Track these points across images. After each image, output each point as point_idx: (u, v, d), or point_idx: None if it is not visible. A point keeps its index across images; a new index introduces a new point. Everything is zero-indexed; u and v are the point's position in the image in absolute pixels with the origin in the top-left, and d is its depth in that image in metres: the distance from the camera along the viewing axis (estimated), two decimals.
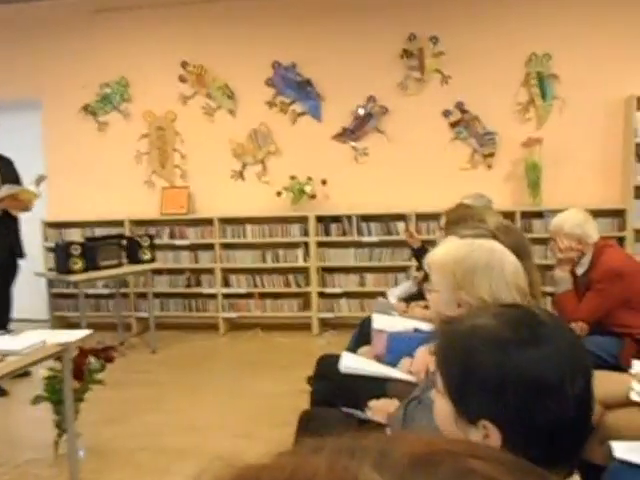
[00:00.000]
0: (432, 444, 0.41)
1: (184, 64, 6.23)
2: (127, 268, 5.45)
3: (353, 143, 6.06)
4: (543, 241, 5.07)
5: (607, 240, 3.77)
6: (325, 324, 6.07)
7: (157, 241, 5.93)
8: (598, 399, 2.73)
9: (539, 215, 5.66)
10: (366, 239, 5.89)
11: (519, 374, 0.95)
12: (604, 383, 2.71)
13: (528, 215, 5.66)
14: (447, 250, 1.74)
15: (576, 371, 0.97)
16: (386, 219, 5.86)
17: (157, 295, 6.14)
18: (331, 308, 6.04)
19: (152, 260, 5.53)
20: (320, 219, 5.96)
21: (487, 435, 0.95)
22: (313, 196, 5.94)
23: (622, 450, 2.09)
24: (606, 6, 5.60)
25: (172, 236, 6.22)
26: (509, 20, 5.75)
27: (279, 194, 5.94)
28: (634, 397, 2.47)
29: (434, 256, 1.76)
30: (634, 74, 5.55)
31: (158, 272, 6.12)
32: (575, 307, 3.47)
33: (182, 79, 6.26)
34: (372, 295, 5.56)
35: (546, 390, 0.94)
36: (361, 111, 6.02)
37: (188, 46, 6.20)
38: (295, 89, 6.08)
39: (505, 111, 5.86)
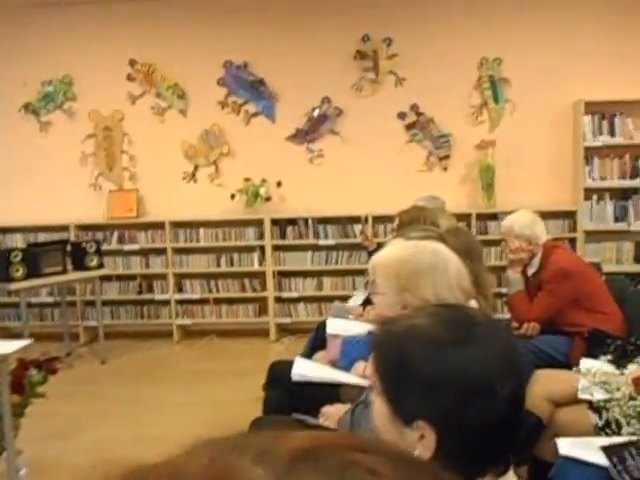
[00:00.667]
0: (318, 439, 0.42)
1: (132, 62, 6.19)
2: (72, 275, 5.38)
3: (308, 145, 6.12)
4: (498, 243, 5.21)
5: (555, 241, 3.93)
6: (283, 329, 6.11)
7: (105, 246, 5.89)
8: (548, 397, 2.87)
9: (494, 217, 5.81)
10: (323, 242, 5.96)
11: (452, 374, 0.97)
12: (554, 381, 2.85)
13: (483, 217, 5.82)
14: (391, 252, 1.77)
15: (508, 371, 1.00)
16: (343, 222, 5.95)
17: (106, 303, 6.08)
18: (288, 313, 6.09)
19: (100, 266, 5.47)
20: (275, 222, 6.00)
21: (422, 435, 0.97)
22: (268, 198, 5.98)
23: (567, 447, 2.20)
24: (555, 12, 5.80)
25: (121, 241, 6.16)
26: (461, 23, 5.90)
27: (233, 197, 5.96)
28: (582, 395, 2.60)
29: (378, 258, 1.79)
30: (581, 79, 5.77)
31: (107, 279, 6.06)
32: (527, 307, 3.61)
33: (130, 78, 6.21)
34: (330, 299, 5.64)
35: (478, 390, 0.97)
36: (316, 112, 6.10)
37: (136, 43, 6.14)
38: (248, 89, 6.11)
39: (459, 114, 6.01)
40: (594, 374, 2.10)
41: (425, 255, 1.73)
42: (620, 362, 2.35)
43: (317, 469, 0.39)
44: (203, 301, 6.16)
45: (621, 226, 5.75)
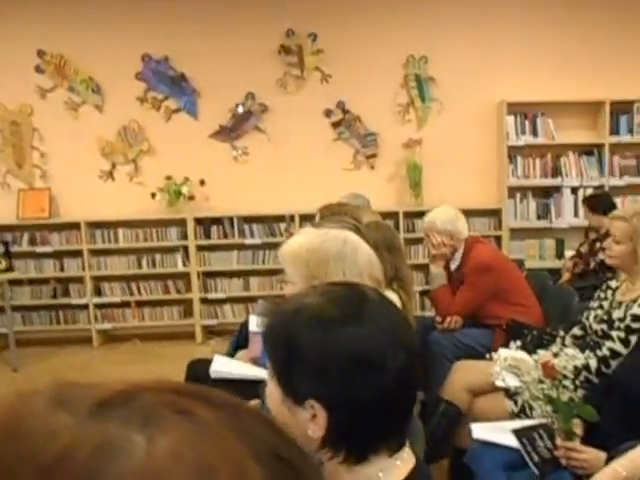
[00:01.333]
0: (134, 384, 0.41)
1: (40, 53, 5.98)
2: None
3: (232, 142, 6.13)
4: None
5: (476, 236, 4.09)
6: (209, 331, 6.08)
7: (15, 248, 5.71)
8: (467, 387, 2.98)
9: (421, 215, 5.93)
10: (249, 241, 5.98)
11: (341, 351, 1.00)
12: (472, 372, 2.97)
13: (410, 215, 5.96)
14: (300, 241, 1.78)
15: (398, 346, 1.02)
16: (269, 220, 5.98)
17: (17, 308, 5.90)
18: (215, 314, 6.07)
19: (8, 269, 5.31)
20: (199, 221, 5.98)
21: (314, 415, 0.99)
22: (191, 197, 5.95)
23: (480, 431, 2.31)
24: (480, 12, 6.01)
25: (32, 242, 5.97)
26: (387, 20, 6.03)
27: (154, 195, 5.90)
28: (498, 383, 2.71)
29: (287, 247, 1.79)
30: (504, 80, 6.00)
31: (18, 283, 5.88)
32: (449, 301, 3.74)
33: (38, 69, 6.00)
34: (257, 299, 5.66)
35: (368, 366, 1.00)
36: (240, 109, 6.11)
37: (45, 33, 5.94)
38: (168, 84, 6.06)
39: (386, 112, 6.14)
40: (504, 359, 2.20)
41: (334, 243, 1.75)
42: (532, 349, 2.48)
43: (125, 411, 0.38)
44: (124, 304, 6.07)
45: (543, 223, 6.01)
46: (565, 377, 2.15)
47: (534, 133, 5.97)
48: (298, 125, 6.06)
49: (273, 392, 1.06)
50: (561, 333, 3.02)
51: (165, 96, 6.08)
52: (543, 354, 2.19)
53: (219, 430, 0.40)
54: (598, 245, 4.64)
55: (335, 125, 6.16)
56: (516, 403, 2.72)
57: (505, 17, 6.03)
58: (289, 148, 6.08)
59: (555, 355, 2.21)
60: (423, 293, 5.54)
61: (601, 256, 4.51)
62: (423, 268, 5.39)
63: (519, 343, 2.25)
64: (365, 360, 1.00)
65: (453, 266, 3.85)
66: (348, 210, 3.47)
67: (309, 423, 1.00)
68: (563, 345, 2.84)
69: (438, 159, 6.02)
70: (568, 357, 2.18)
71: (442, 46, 6.03)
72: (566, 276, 4.97)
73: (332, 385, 1.00)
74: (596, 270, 4.70)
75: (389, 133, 6.13)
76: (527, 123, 5.97)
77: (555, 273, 5.18)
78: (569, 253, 5.50)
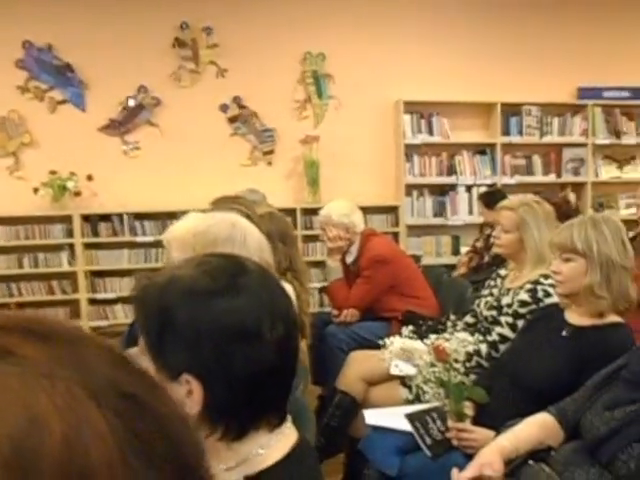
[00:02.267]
0: None
1: None
2: None
3: (123, 136, 5.95)
4: None
5: (372, 229, 4.16)
6: (100, 333, 5.86)
7: None
8: (362, 377, 3.02)
9: (318, 212, 5.99)
10: (140, 239, 5.82)
11: (215, 324, 0.98)
12: (367, 361, 3.02)
13: (308, 212, 5.99)
14: (186, 225, 1.74)
15: (276, 317, 1.01)
16: (162, 217, 5.83)
17: None
18: (104, 315, 5.87)
19: None
20: (87, 218, 5.76)
21: (190, 390, 0.97)
22: (77, 193, 5.73)
23: (372, 417, 2.34)
24: (378, 10, 6.13)
25: None
26: (285, 16, 6.04)
27: (36, 191, 5.63)
28: (393, 371, 2.77)
29: (172, 232, 1.75)
30: (401, 79, 6.15)
31: None
32: (346, 295, 3.79)
33: None
34: None
35: (243, 337, 0.99)
36: (131, 102, 5.95)
37: None
38: (53, 74, 5.81)
39: (283, 108, 6.14)
40: (396, 346, 2.25)
41: (222, 227, 1.71)
42: (425, 335, 2.54)
43: None
44: (3, 306, 5.75)
45: (439, 220, 6.21)
46: (456, 361, 2.22)
47: (430, 132, 6.16)
48: (193, 120, 5.97)
49: (147, 368, 1.01)
50: (452, 318, 3.12)
51: (50, 86, 5.82)
52: (435, 338, 2.25)
53: (50, 371, 0.36)
54: (492, 240, 4.82)
55: (231, 120, 6.11)
56: (410, 390, 2.78)
57: (403, 17, 6.18)
58: (183, 143, 5.98)
59: (447, 340, 2.27)
60: (321, 290, 5.59)
61: (495, 250, 4.70)
62: (321, 265, 5.43)
63: (411, 328, 2.30)
64: (241, 332, 0.98)
65: (349, 259, 3.90)
66: (242, 202, 3.45)
67: (185, 399, 0.96)
68: (454, 330, 2.93)
69: (336, 156, 6.09)
70: (459, 341, 2.25)
71: (340, 43, 6.11)
72: (461, 270, 5.14)
73: (207, 359, 0.97)
74: (490, 264, 4.87)
75: (286, 129, 6.14)
76: (423, 122, 6.15)
77: (451, 269, 5.36)
78: (464, 249, 5.70)
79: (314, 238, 5.76)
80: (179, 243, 1.72)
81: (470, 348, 2.59)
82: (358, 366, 2.99)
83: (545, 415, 1.83)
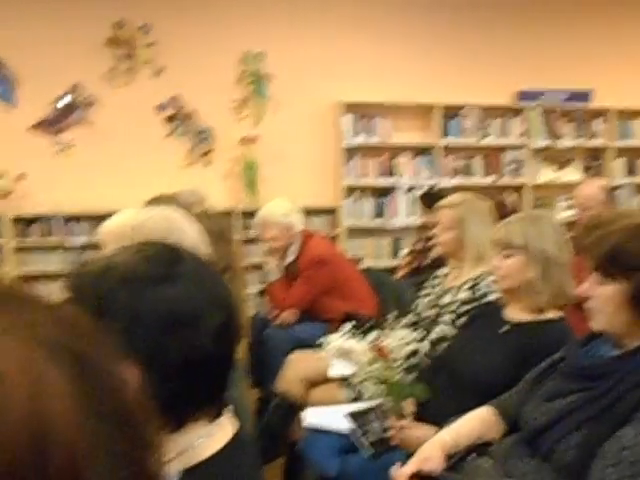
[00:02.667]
0: None
1: None
2: None
3: (56, 135, 5.76)
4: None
5: (312, 230, 4.13)
6: None
7: None
8: (302, 378, 2.97)
9: (257, 213, 5.93)
10: (73, 241, 5.64)
11: (152, 311, 0.97)
12: (307, 363, 2.98)
13: (246, 214, 5.90)
14: (122, 218, 1.72)
15: (214, 305, 1.01)
16: (96, 219, 5.65)
17: None
18: None
19: None
20: (17, 220, 5.56)
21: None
22: (7, 193, 5.53)
23: (313, 417, 2.30)
24: (317, 10, 6.13)
25: None
26: (224, 14, 5.97)
27: None
28: (333, 372, 2.74)
29: (108, 226, 1.73)
30: (342, 80, 6.14)
31: None
32: (284, 295, 3.74)
33: None
34: None
35: (181, 326, 0.97)
36: (65, 100, 5.77)
37: None
38: None
39: (222, 108, 6.06)
40: (334, 347, 2.21)
41: (158, 220, 1.70)
42: (363, 335, 2.52)
43: None
44: None
45: (379, 222, 6.22)
46: (395, 360, 2.20)
47: (370, 133, 6.17)
48: (128, 119, 5.82)
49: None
50: (390, 317, 3.11)
51: None
52: (374, 336, 2.22)
53: (9, 329, 0.38)
54: (433, 241, 4.84)
55: (168, 120, 5.98)
56: (351, 391, 2.75)
57: (344, 17, 6.19)
58: (119, 143, 5.82)
59: (386, 338, 2.25)
60: (260, 293, 5.53)
61: (435, 252, 4.73)
62: (259, 268, 5.35)
63: (350, 326, 2.26)
64: (178, 320, 0.96)
65: (288, 260, 3.85)
66: (179, 201, 3.37)
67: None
68: (394, 328, 2.92)
69: (275, 157, 6.04)
70: (399, 338, 2.23)
71: (280, 43, 6.07)
72: (402, 272, 5.14)
73: (143, 346, 0.94)
74: (431, 265, 4.89)
75: (225, 129, 6.06)
76: (363, 123, 6.16)
77: (391, 271, 5.36)
78: (405, 251, 5.71)
79: (252, 240, 5.69)
80: (116, 236, 1.69)
81: (410, 348, 2.58)
82: (297, 367, 2.94)
83: (485, 409, 1.83)
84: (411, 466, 1.52)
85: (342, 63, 6.18)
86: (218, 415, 1.04)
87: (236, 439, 1.04)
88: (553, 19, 6.63)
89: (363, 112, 6.16)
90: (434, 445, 1.63)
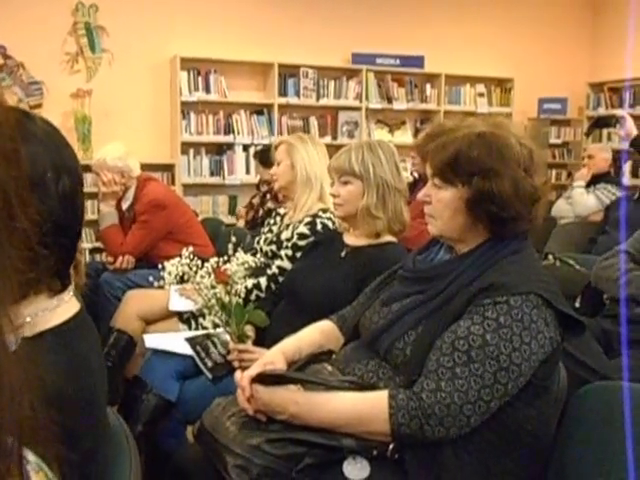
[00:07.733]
0: None
1: None
2: None
3: None
4: (96, 195, 5.00)
5: (149, 174, 3.90)
6: None
7: None
8: (140, 315, 2.77)
9: (90, 169, 5.55)
10: None
11: None
12: (145, 300, 2.81)
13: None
14: None
15: (62, 170, 0.96)
16: None
17: None
18: None
19: None
20: None
21: None
22: None
23: (153, 340, 2.17)
24: None
25: None
26: None
27: None
28: (172, 307, 2.59)
29: None
30: (178, 35, 5.88)
31: None
32: (121, 241, 3.50)
33: None
34: None
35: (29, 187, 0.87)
36: None
37: None
38: None
39: (53, 60, 5.61)
40: (170, 272, 2.07)
41: None
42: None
43: None
44: None
45: (216, 180, 6.05)
46: (235, 282, 2.10)
47: (207, 90, 5.95)
48: None
49: None
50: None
51: None
52: (214, 262, 2.10)
53: None
54: (268, 197, 4.80)
55: None
56: (190, 327, 2.62)
57: None
58: None
59: (226, 262, 2.14)
60: (93, 250, 5.22)
61: (269, 205, 4.70)
62: (93, 224, 5.01)
63: (189, 251, 2.12)
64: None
65: (125, 205, 3.61)
66: None
67: None
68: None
69: (109, 112, 5.67)
70: (239, 262, 2.13)
71: None
72: (240, 222, 5.06)
73: None
74: (265, 217, 4.84)
75: (56, 83, 5.59)
76: (200, 79, 5.93)
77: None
78: (242, 209, 5.61)
79: (87, 195, 5.32)
80: None
81: (249, 283, 2.49)
82: (135, 304, 2.76)
83: (325, 322, 1.79)
84: (255, 368, 1.45)
85: (179, 17, 5.91)
86: (61, 291, 0.98)
87: (78, 317, 0.99)
88: None
89: (200, 68, 5.92)
90: (276, 351, 1.57)
